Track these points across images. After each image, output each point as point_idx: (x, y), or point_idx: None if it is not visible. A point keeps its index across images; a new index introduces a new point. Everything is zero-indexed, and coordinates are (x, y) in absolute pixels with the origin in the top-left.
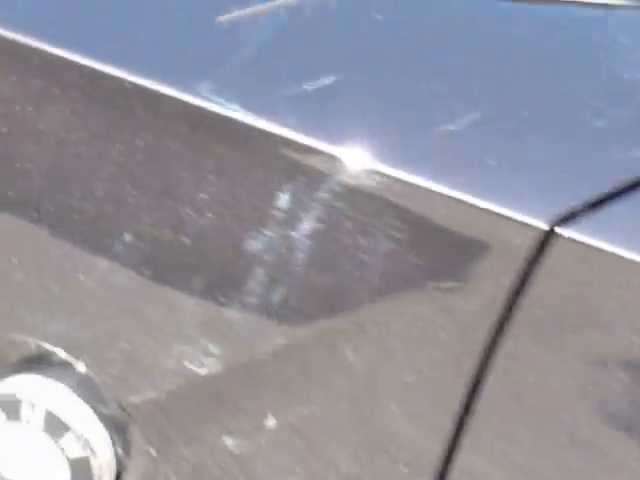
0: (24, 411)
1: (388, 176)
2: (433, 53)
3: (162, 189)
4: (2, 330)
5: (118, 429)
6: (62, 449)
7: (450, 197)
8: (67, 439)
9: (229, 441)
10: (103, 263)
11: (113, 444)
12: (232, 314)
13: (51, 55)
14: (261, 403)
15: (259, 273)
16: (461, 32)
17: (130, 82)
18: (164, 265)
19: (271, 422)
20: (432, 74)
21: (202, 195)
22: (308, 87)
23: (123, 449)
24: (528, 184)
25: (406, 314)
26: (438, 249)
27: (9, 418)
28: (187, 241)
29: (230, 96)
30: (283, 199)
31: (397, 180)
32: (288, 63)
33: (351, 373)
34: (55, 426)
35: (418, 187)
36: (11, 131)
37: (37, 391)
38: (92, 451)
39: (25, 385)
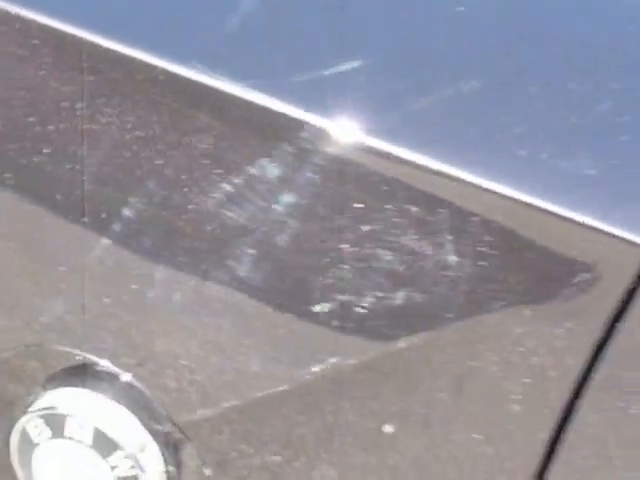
0: (70, 427)
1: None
2: None
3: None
4: (49, 341)
5: (170, 447)
6: (111, 467)
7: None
8: (116, 457)
9: (286, 462)
10: (160, 275)
11: (165, 463)
12: (292, 330)
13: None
14: (320, 422)
15: (322, 288)
16: None
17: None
18: (224, 278)
19: (329, 440)
20: None
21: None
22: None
23: (175, 468)
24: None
25: (494, 334)
26: (529, 265)
27: (54, 434)
28: (248, 256)
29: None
30: None
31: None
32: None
33: (437, 396)
34: (104, 443)
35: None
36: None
37: (85, 406)
38: (142, 470)
39: (72, 399)
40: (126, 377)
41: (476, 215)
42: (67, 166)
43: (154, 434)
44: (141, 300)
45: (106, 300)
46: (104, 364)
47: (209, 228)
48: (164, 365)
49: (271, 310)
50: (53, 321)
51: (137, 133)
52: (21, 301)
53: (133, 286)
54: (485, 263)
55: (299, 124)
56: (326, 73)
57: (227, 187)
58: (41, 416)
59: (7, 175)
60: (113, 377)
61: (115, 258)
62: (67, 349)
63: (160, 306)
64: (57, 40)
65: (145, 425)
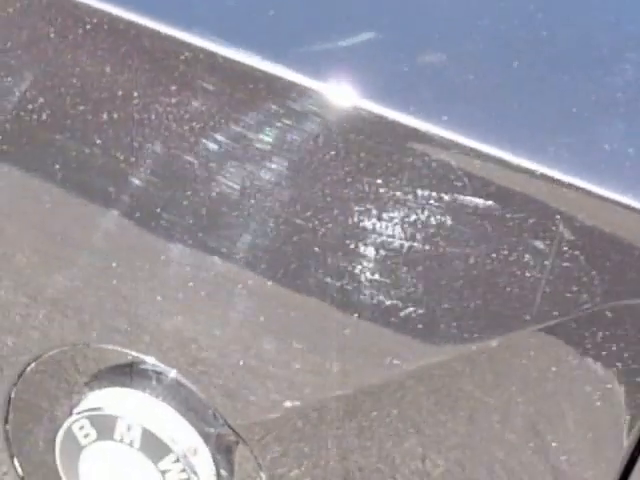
0: (119, 429)
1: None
2: None
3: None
4: (95, 340)
5: (224, 451)
6: (161, 472)
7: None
8: (167, 461)
9: (345, 467)
10: (213, 275)
11: (217, 467)
12: (353, 332)
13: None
14: (380, 428)
15: (382, 289)
16: None
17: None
18: (281, 279)
19: (389, 446)
20: None
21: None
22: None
23: (229, 473)
24: None
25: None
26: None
27: (101, 436)
28: (314, 261)
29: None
30: None
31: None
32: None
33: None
34: (153, 446)
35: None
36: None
37: (133, 407)
38: (195, 474)
39: (119, 400)
40: (175, 377)
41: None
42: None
43: (205, 436)
44: (192, 298)
45: (157, 298)
46: (152, 363)
47: (273, 230)
48: (216, 365)
49: (332, 312)
50: (100, 319)
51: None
52: (67, 299)
53: (184, 284)
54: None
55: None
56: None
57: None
58: (87, 417)
59: (61, 175)
60: (162, 377)
61: (167, 256)
62: (114, 347)
63: (213, 305)
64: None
65: (196, 427)
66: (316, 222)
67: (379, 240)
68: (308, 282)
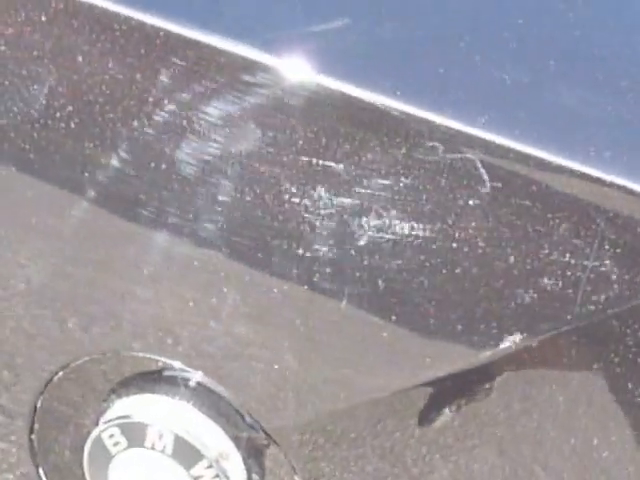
0: (150, 436)
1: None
2: None
3: None
4: (124, 347)
5: (256, 456)
6: (194, 478)
7: None
8: (199, 467)
9: (378, 471)
10: (239, 279)
11: (249, 472)
12: (385, 338)
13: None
14: (414, 430)
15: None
16: None
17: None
18: (311, 282)
19: (421, 453)
20: None
21: None
22: None
23: (260, 477)
24: None
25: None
26: None
27: (131, 444)
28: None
29: None
30: None
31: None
32: None
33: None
34: (185, 452)
35: None
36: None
37: (164, 414)
38: (227, 479)
39: (150, 407)
40: (205, 382)
41: None
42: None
43: (236, 441)
44: (220, 303)
45: (190, 304)
46: (180, 368)
47: (307, 235)
48: (247, 368)
49: (365, 317)
50: (128, 326)
51: None
52: (96, 307)
53: (211, 289)
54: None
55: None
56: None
57: None
58: (117, 425)
59: (91, 186)
60: (191, 382)
61: (195, 262)
62: (142, 354)
63: (242, 309)
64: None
65: (227, 431)
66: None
67: (414, 242)
68: (341, 289)
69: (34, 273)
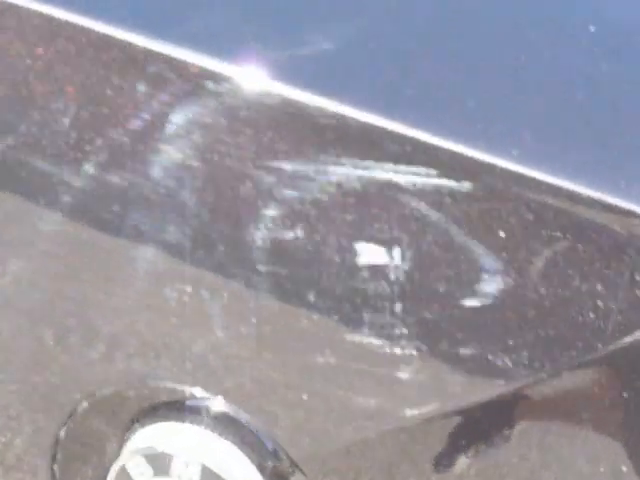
0: (176, 466)
1: None
2: None
3: None
4: (151, 377)
5: None
6: None
7: None
8: None
9: None
10: (271, 309)
11: None
12: (416, 370)
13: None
14: (444, 460)
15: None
16: None
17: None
18: (340, 313)
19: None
20: None
21: None
22: None
23: None
24: None
25: None
26: None
27: (157, 473)
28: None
29: None
30: None
31: None
32: None
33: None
34: None
35: None
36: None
37: (191, 444)
38: None
39: (176, 436)
40: (230, 411)
41: None
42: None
43: (262, 470)
44: (246, 333)
45: (219, 334)
46: (205, 398)
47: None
48: (273, 397)
49: (393, 347)
50: (153, 356)
51: None
52: (120, 337)
53: (237, 319)
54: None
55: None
56: None
57: None
58: (143, 455)
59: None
60: (216, 411)
61: (224, 293)
62: (166, 384)
63: (267, 338)
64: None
65: (252, 461)
66: None
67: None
68: (370, 320)
69: (60, 304)
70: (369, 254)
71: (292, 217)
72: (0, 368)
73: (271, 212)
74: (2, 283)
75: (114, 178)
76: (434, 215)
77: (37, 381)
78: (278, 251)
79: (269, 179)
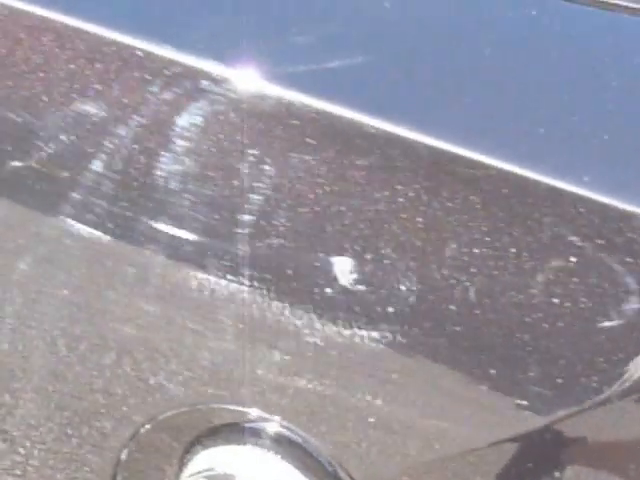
0: None
1: None
2: None
3: None
4: (211, 399)
5: None
6: None
7: None
8: None
9: None
10: (334, 329)
11: None
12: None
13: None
14: None
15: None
16: None
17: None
18: (414, 338)
19: None
20: None
21: None
22: None
23: None
24: None
25: None
26: None
27: None
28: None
29: None
30: None
31: None
32: None
33: None
34: None
35: None
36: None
37: (251, 465)
38: None
39: (237, 458)
40: (291, 433)
41: None
42: None
43: None
44: (307, 356)
45: (278, 357)
46: (266, 419)
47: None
48: (335, 419)
49: (462, 370)
50: (214, 378)
51: None
52: (187, 361)
53: (301, 343)
54: None
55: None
56: None
57: None
58: (205, 477)
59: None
60: (276, 433)
61: (283, 318)
62: (227, 406)
63: (328, 362)
64: None
65: None
66: None
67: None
68: (434, 346)
69: (125, 330)
70: None
71: None
72: (64, 390)
73: None
74: (70, 310)
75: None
76: None
77: (101, 404)
78: (325, 271)
79: None
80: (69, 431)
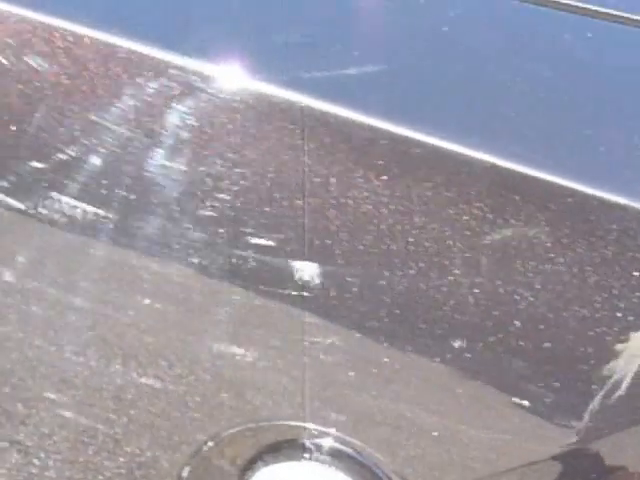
0: None
1: None
2: None
3: None
4: (274, 417)
5: None
6: None
7: None
8: None
9: None
10: (403, 344)
11: None
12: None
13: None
14: None
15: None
16: None
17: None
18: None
19: None
20: None
21: None
22: None
23: None
24: None
25: None
26: None
27: None
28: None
29: None
30: None
31: None
32: None
33: None
34: None
35: None
36: None
37: None
38: None
39: (297, 473)
40: (352, 449)
41: None
42: None
43: None
44: (375, 373)
45: (348, 374)
46: (328, 435)
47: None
48: (399, 435)
49: (525, 384)
50: (277, 395)
51: None
52: (249, 381)
53: (367, 362)
54: None
55: None
56: None
57: None
58: None
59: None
60: (337, 449)
61: (338, 342)
62: (290, 422)
63: (394, 378)
64: None
65: None
66: None
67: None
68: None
69: (186, 350)
70: None
71: None
72: (127, 407)
73: None
74: (135, 331)
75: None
76: None
77: (164, 422)
78: (388, 290)
79: None
80: (133, 448)
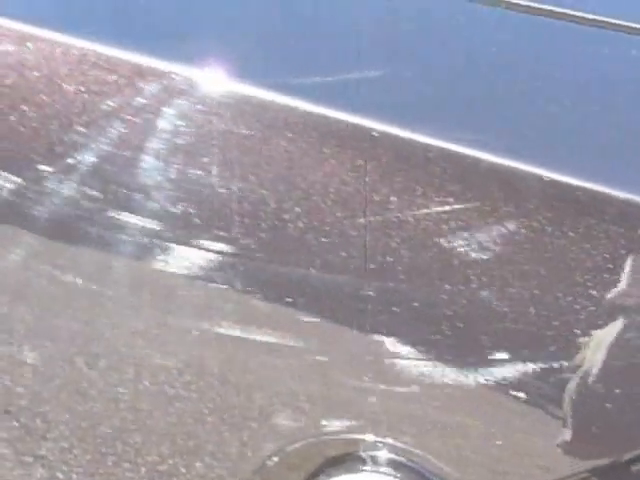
0: None
1: None
2: None
3: None
4: (339, 430)
5: None
6: None
7: None
8: None
9: None
10: (466, 354)
11: None
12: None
13: None
14: None
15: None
16: None
17: None
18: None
19: None
20: None
21: None
22: None
23: None
24: None
25: None
26: None
27: None
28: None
29: None
30: None
31: None
32: None
33: None
34: None
35: None
36: None
37: None
38: None
39: None
40: (412, 461)
41: None
42: None
43: None
44: (435, 386)
45: (403, 387)
46: (390, 447)
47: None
48: (462, 446)
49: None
50: (343, 410)
51: None
52: (314, 394)
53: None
54: None
55: None
56: None
57: None
58: None
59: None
60: (399, 461)
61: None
62: (352, 436)
63: (452, 388)
64: None
65: None
66: None
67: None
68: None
69: (249, 367)
70: None
71: None
72: (191, 422)
73: None
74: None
75: None
76: None
77: (229, 438)
78: (447, 304)
79: None
80: (195, 462)
